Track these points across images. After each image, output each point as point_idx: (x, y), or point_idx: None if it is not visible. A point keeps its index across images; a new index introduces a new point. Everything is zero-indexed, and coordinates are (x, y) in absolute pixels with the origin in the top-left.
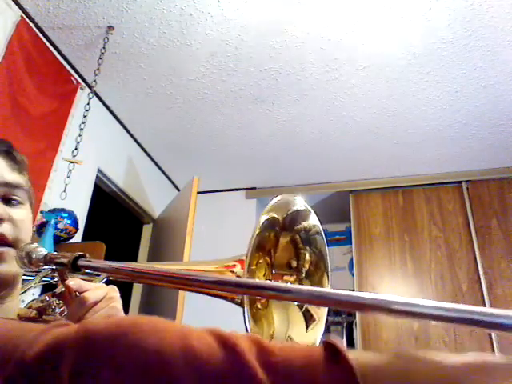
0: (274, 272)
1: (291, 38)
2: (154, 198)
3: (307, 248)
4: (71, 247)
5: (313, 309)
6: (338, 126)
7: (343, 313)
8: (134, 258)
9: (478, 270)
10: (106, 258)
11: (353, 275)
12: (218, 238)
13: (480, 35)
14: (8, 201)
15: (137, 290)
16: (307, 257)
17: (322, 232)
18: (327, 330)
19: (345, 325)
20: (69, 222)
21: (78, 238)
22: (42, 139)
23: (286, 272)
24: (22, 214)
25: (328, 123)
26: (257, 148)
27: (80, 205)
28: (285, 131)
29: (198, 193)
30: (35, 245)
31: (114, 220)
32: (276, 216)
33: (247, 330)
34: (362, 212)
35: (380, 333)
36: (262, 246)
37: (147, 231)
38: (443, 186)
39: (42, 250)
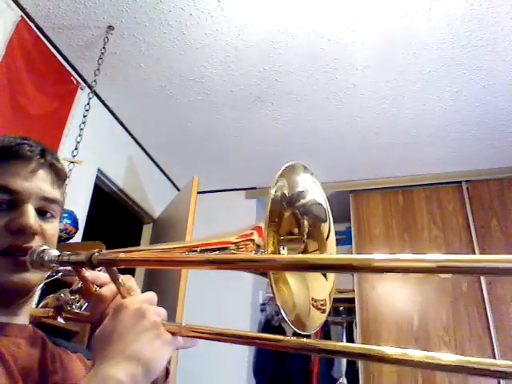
0: (281, 238)
1: (291, 38)
2: (154, 197)
3: (305, 217)
4: (71, 247)
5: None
6: (338, 126)
7: (343, 313)
8: None
9: None
10: None
11: (353, 275)
12: None
13: (480, 35)
14: (43, 213)
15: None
16: (306, 223)
17: (322, 201)
18: (327, 331)
19: (345, 325)
20: (69, 221)
21: (78, 237)
22: (41, 139)
23: (292, 237)
24: (53, 228)
25: (328, 123)
26: (257, 148)
27: (80, 205)
28: (285, 131)
29: (198, 193)
30: (45, 246)
31: (114, 220)
32: (284, 192)
33: (274, 297)
34: (362, 212)
35: (380, 333)
36: (271, 217)
37: (147, 231)
38: (443, 186)
39: (53, 250)
